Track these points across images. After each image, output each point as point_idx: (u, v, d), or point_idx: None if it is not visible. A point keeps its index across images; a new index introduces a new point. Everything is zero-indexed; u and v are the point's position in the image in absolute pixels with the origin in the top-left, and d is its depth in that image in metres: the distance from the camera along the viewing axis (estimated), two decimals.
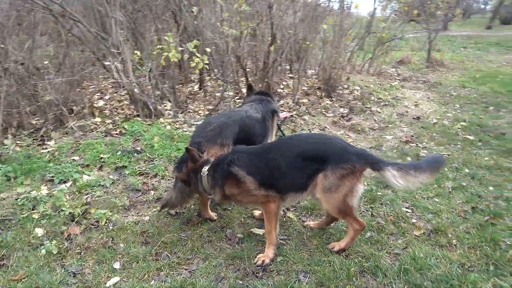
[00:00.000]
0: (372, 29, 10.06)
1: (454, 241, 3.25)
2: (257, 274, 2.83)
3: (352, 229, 3.04)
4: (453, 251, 3.12)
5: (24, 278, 2.68)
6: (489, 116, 7.20)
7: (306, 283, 2.71)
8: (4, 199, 3.72)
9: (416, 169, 2.86)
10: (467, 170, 4.64)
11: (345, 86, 8.58)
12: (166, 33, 6.00)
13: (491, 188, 4.19)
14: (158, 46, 5.91)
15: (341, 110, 7.20)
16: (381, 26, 10.13)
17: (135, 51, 6.24)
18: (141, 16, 7.40)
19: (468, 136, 5.88)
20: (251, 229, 3.41)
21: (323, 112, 7.02)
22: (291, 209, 3.78)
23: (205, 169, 3.07)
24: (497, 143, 5.58)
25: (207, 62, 6.22)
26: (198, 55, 6.05)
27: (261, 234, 3.33)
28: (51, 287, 2.59)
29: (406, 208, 3.82)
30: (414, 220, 3.57)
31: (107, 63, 7.31)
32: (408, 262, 2.88)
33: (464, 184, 4.28)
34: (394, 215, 3.65)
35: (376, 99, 8.11)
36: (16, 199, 3.68)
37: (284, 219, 3.60)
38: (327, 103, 7.44)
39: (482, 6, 49.53)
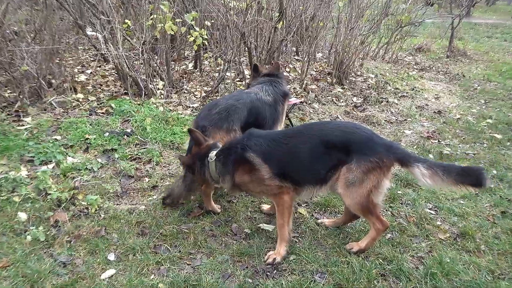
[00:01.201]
0: (390, 11, 10.14)
1: (482, 246, 3.37)
2: (268, 273, 2.91)
3: (374, 229, 3.12)
4: (482, 257, 3.24)
5: (9, 265, 2.72)
6: None
7: (323, 284, 2.81)
8: None
9: (445, 171, 2.89)
10: (494, 172, 4.77)
11: (359, 73, 8.68)
12: (161, 2, 6.00)
13: None
14: (153, 16, 5.91)
15: (354, 99, 7.30)
16: (401, 7, 10.21)
17: (125, 20, 6.24)
18: None
19: (495, 135, 6.02)
20: (259, 225, 3.49)
21: (334, 101, 7.11)
22: (302, 205, 3.87)
23: (213, 154, 3.13)
24: None
25: (206, 37, 6.25)
26: (197, 28, 6.08)
27: (270, 230, 3.42)
28: (40, 276, 2.63)
29: (429, 209, 3.94)
30: (438, 223, 3.69)
31: (90, 32, 7.31)
32: (434, 266, 2.99)
33: (492, 186, 4.41)
34: (416, 216, 3.77)
35: (393, 89, 8.23)
36: None
37: (296, 215, 3.68)
38: (339, 91, 7.53)
39: None
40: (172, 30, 5.88)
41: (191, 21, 5.87)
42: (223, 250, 3.15)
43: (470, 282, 2.89)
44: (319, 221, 3.60)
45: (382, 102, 7.32)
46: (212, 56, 7.42)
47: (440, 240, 3.43)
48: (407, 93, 8.11)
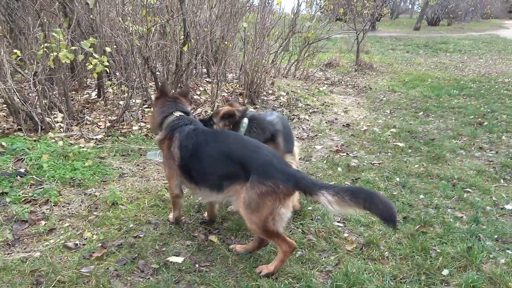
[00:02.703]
0: (296, 28, 10.70)
1: (386, 253, 3.63)
2: None
3: (282, 251, 3.21)
4: (386, 263, 3.49)
5: None
6: (419, 122, 8.08)
7: None
8: None
9: (353, 196, 2.88)
10: (398, 179, 5.18)
11: (270, 92, 9.01)
12: (54, 29, 5.82)
13: (421, 196, 4.73)
14: (44, 44, 5.71)
15: None
16: (306, 25, 10.83)
17: (14, 50, 5.96)
18: (20, 7, 7.09)
19: (398, 143, 6.55)
20: (167, 258, 3.46)
21: None
22: (214, 232, 3.90)
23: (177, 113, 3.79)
24: (427, 150, 6.31)
25: (107, 64, 6.16)
26: (96, 55, 5.98)
27: (180, 262, 3.41)
28: None
29: (337, 222, 4.16)
30: (346, 235, 3.92)
31: None
32: (340, 279, 3.17)
33: (395, 193, 4.78)
34: (325, 230, 3.96)
35: (304, 105, 8.64)
36: None
37: (207, 243, 3.71)
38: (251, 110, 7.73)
39: (410, 6, 55.00)
40: (68, 59, 5.72)
41: (89, 48, 5.77)
42: None
43: None
44: (231, 246, 3.65)
45: (293, 119, 7.65)
46: (116, 83, 7.30)
47: (348, 252, 3.64)
48: (317, 108, 8.56)
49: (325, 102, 9.16)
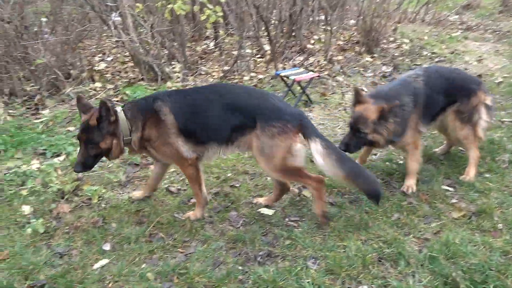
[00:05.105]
0: None
1: (500, 225, 3.19)
2: (260, 259, 2.94)
3: (312, 188, 3.19)
4: (497, 236, 3.07)
5: (8, 258, 2.93)
6: None
7: (315, 270, 2.79)
8: None
9: (339, 160, 3.01)
10: None
11: (391, 39, 8.32)
12: None
13: None
14: None
15: (383, 68, 7.03)
16: None
17: (137, 4, 6.33)
18: None
19: None
20: (259, 209, 3.50)
21: (361, 72, 6.88)
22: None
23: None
24: None
25: (221, 14, 6.22)
26: (210, 5, 6.06)
27: (270, 214, 3.43)
28: (35, 268, 2.82)
29: (447, 186, 3.77)
30: (454, 200, 3.53)
31: (115, 18, 7.48)
32: (437, 249, 2.88)
33: None
34: (431, 194, 3.62)
35: (429, 54, 7.84)
36: (5, 174, 3.97)
37: (299, 198, 3.66)
38: (367, 60, 7.28)
39: None
40: (183, 10, 5.90)
41: None
42: (218, 237, 3.20)
43: (477, 264, 2.76)
44: (254, 201, 3.61)
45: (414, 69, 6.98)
46: (227, 33, 7.39)
47: (453, 220, 3.28)
48: (445, 57, 7.69)
49: (455, 49, 8.17)
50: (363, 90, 6.28)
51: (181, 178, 4.01)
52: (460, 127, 3.81)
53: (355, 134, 3.48)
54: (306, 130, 3.10)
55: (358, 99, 3.49)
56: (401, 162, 4.15)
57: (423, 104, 3.62)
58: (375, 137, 3.43)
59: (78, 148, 3.13)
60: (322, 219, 3.22)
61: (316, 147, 3.03)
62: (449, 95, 3.75)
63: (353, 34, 8.42)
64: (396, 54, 7.64)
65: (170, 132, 3.11)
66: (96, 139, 3.02)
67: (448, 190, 3.71)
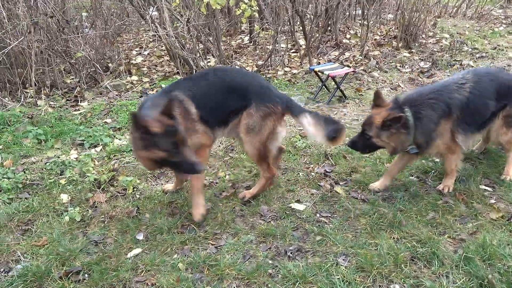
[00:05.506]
0: None
1: None
2: (290, 254, 2.93)
3: (264, 177, 3.47)
4: None
5: (46, 244, 3.04)
6: None
7: (345, 267, 2.76)
8: (34, 163, 4.18)
9: (326, 122, 3.27)
10: None
11: (430, 34, 8.09)
12: None
13: None
14: None
15: (421, 64, 6.85)
16: None
17: None
18: None
19: None
20: (290, 204, 3.49)
21: (398, 67, 6.73)
22: (340, 183, 3.79)
23: None
24: None
25: (256, 8, 6.22)
26: (246, 0, 6.06)
27: (301, 210, 3.41)
28: (71, 255, 2.92)
29: (485, 185, 3.64)
30: (492, 201, 3.41)
31: (154, 12, 7.61)
32: (473, 250, 2.79)
33: None
34: (468, 193, 3.51)
35: (470, 49, 7.57)
36: (45, 164, 4.11)
37: (331, 194, 3.63)
38: (405, 56, 7.11)
39: None
40: (219, 4, 5.93)
41: None
42: (249, 230, 3.21)
43: None
44: (240, 195, 3.57)
45: (454, 65, 6.77)
46: (262, 27, 7.37)
47: (490, 221, 3.17)
48: (486, 53, 7.41)
49: (498, 45, 7.85)
50: (400, 86, 6.15)
51: (213, 172, 4.05)
52: (504, 132, 3.63)
53: (363, 135, 3.42)
54: (294, 109, 3.36)
55: (376, 102, 3.42)
56: (437, 160, 4.03)
57: (462, 113, 3.37)
58: (379, 142, 3.34)
59: None
60: (252, 199, 3.50)
61: (307, 120, 3.28)
62: (501, 99, 3.54)
63: (390, 28, 8.23)
64: (435, 50, 7.42)
65: None
66: None
67: (486, 189, 3.59)
